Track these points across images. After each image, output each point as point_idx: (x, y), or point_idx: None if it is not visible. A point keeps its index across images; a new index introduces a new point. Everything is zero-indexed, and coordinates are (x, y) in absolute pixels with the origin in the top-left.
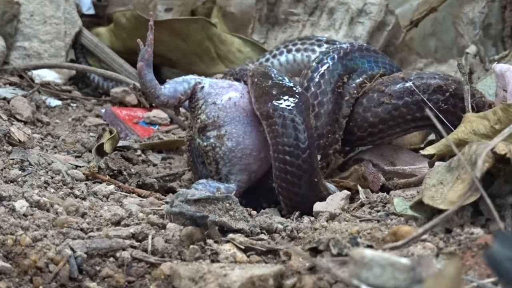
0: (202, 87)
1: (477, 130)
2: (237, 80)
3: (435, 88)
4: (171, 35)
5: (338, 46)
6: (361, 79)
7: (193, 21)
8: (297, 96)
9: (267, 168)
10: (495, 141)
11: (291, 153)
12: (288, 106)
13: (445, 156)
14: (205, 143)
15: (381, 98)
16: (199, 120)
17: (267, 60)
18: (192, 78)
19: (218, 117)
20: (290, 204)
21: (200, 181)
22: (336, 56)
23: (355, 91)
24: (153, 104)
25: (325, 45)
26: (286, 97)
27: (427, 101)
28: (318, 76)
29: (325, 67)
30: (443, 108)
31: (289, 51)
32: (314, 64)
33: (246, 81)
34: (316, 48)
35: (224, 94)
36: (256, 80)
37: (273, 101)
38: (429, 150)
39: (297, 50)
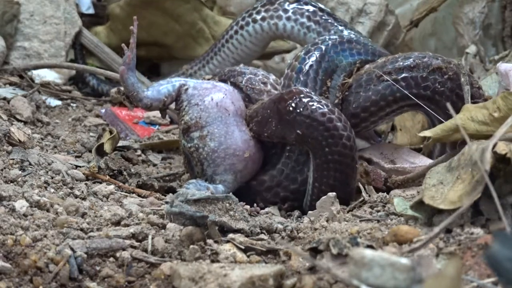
0: (187, 89)
1: (475, 117)
2: (224, 81)
3: (435, 68)
4: (164, 16)
5: (313, 48)
6: (341, 78)
7: (184, 1)
8: (311, 99)
9: (253, 168)
10: (500, 132)
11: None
12: (313, 111)
13: (441, 141)
14: (189, 144)
15: (382, 76)
16: (183, 122)
17: (235, 32)
18: (177, 80)
19: (201, 117)
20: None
21: (191, 180)
22: (314, 62)
23: (340, 93)
24: (139, 107)
25: (289, 8)
26: (306, 114)
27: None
28: (302, 84)
29: (305, 77)
30: (439, 90)
31: (254, 21)
32: (294, 74)
33: (234, 82)
34: (281, 13)
35: (207, 95)
36: (260, 126)
37: (301, 128)
38: (426, 133)
39: (263, 19)
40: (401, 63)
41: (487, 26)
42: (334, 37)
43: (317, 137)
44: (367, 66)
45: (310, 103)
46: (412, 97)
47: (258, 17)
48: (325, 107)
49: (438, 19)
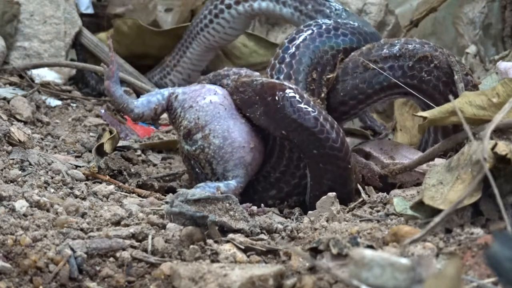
0: (176, 96)
1: (473, 102)
2: (212, 84)
3: (421, 57)
4: (175, 40)
5: (297, 36)
6: (327, 70)
7: None
8: (291, 91)
9: (261, 159)
10: (498, 118)
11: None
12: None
13: (436, 124)
14: (193, 148)
15: (368, 64)
16: (181, 127)
17: (210, 21)
18: (165, 90)
19: (199, 118)
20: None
21: (199, 184)
22: (298, 51)
23: (325, 88)
24: (131, 119)
25: None
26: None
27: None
28: (285, 76)
29: (288, 68)
30: (425, 79)
31: (228, 7)
32: (277, 63)
33: (220, 85)
34: None
35: (199, 96)
36: (244, 104)
37: (287, 129)
38: (423, 113)
39: (237, 3)
40: (387, 51)
41: (487, 26)
42: (321, 22)
43: (303, 140)
44: (352, 53)
45: (299, 105)
46: (401, 85)
47: (231, 1)
48: (313, 111)
49: (438, 19)
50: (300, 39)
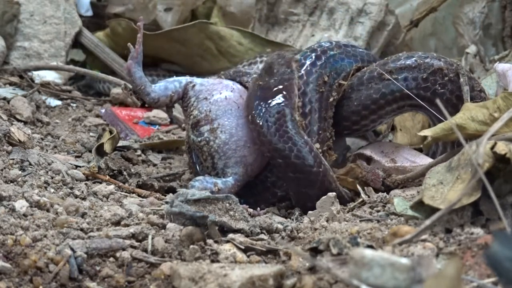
0: (194, 86)
1: (475, 117)
2: (232, 80)
3: (436, 69)
4: (170, 42)
5: (315, 45)
6: (340, 78)
7: (190, 26)
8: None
9: (263, 161)
10: (495, 127)
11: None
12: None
13: (440, 140)
14: (199, 139)
15: (383, 75)
16: (191, 116)
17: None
18: (183, 78)
19: (210, 111)
20: (304, 206)
21: (197, 178)
22: (314, 55)
23: (335, 93)
24: (145, 103)
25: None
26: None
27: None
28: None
29: (304, 67)
30: (439, 92)
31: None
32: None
33: (240, 82)
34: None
35: (215, 90)
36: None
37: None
38: (425, 132)
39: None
40: (403, 62)
41: (487, 26)
42: (336, 40)
43: (279, 163)
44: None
45: (284, 129)
46: (413, 97)
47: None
48: (296, 138)
49: (438, 19)
50: (320, 48)
